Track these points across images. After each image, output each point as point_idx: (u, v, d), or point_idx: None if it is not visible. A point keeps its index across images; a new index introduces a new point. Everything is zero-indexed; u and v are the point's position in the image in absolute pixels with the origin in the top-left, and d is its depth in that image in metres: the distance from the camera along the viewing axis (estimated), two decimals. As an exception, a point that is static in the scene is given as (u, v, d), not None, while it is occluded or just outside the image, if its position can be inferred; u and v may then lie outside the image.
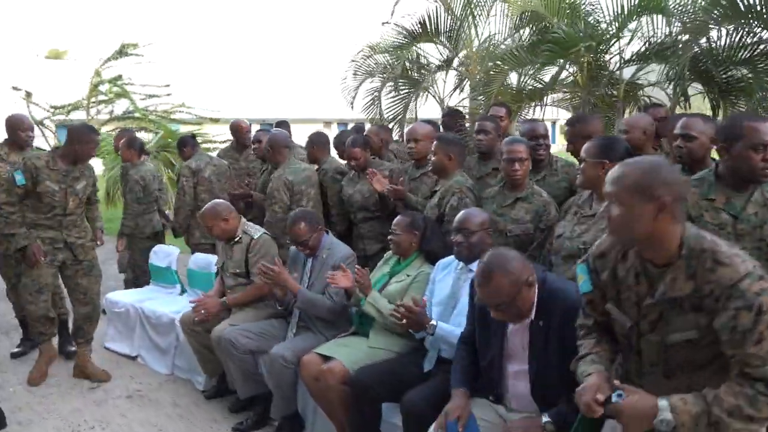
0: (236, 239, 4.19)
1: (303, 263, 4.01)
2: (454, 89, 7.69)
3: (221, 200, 4.40)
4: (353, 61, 7.90)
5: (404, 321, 3.05)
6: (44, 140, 14.33)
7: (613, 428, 1.92)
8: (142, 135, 13.77)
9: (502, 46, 6.58)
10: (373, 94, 7.81)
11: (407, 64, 7.46)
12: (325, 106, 31.73)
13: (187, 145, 6.33)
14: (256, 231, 4.23)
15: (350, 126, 9.07)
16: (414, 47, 7.49)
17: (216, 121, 15.05)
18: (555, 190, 3.90)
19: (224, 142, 15.85)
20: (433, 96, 7.86)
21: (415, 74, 7.48)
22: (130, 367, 5.00)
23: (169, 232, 6.43)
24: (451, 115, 5.34)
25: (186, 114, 14.99)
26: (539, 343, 2.45)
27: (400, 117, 7.23)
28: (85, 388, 4.60)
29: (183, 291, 5.46)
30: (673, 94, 5.72)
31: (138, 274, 6.00)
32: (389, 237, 3.62)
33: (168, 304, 5.10)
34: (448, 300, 3.18)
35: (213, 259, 5.10)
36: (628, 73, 6.13)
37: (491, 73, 5.97)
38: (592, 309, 2.10)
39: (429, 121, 5.06)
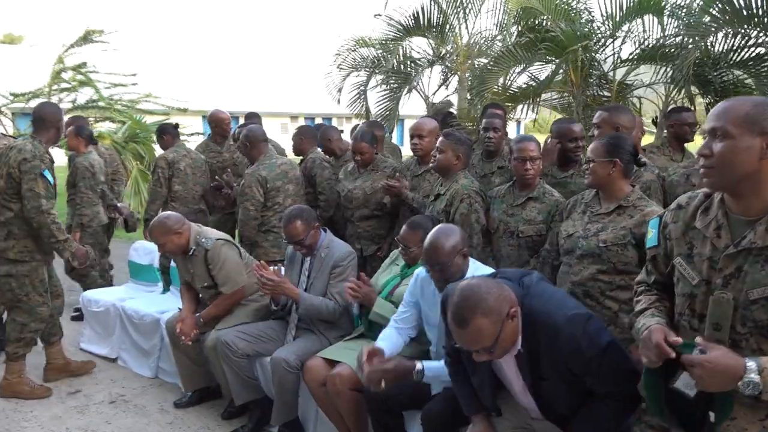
0: (191, 252, 3.91)
1: (300, 262, 3.83)
2: (440, 86, 7.57)
3: (170, 212, 4.08)
4: (338, 54, 7.71)
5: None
6: (1, 128, 13.76)
7: (687, 384, 1.67)
8: (107, 125, 13.39)
9: (498, 43, 6.47)
10: (359, 88, 7.62)
11: (399, 58, 7.27)
12: (294, 99, 31.46)
13: (168, 133, 6.06)
14: (208, 240, 3.90)
15: (317, 120, 8.82)
16: (406, 41, 7.30)
17: (184, 111, 14.70)
18: (582, 188, 3.83)
19: (192, 134, 15.59)
20: (419, 92, 7.74)
21: (408, 68, 7.30)
22: (110, 371, 4.75)
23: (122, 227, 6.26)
24: (446, 115, 5.21)
25: (153, 104, 14.58)
26: (532, 373, 2.20)
27: (389, 113, 7.03)
28: (64, 393, 4.34)
29: (165, 289, 5.21)
30: (666, 95, 5.72)
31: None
32: (400, 251, 3.40)
33: (151, 303, 4.86)
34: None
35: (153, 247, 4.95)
36: (619, 74, 6.11)
37: (487, 69, 5.84)
38: (654, 266, 1.99)
39: (434, 117, 4.94)
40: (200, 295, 4.12)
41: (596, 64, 5.94)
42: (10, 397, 4.19)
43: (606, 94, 6.16)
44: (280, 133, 24.85)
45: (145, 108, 14.45)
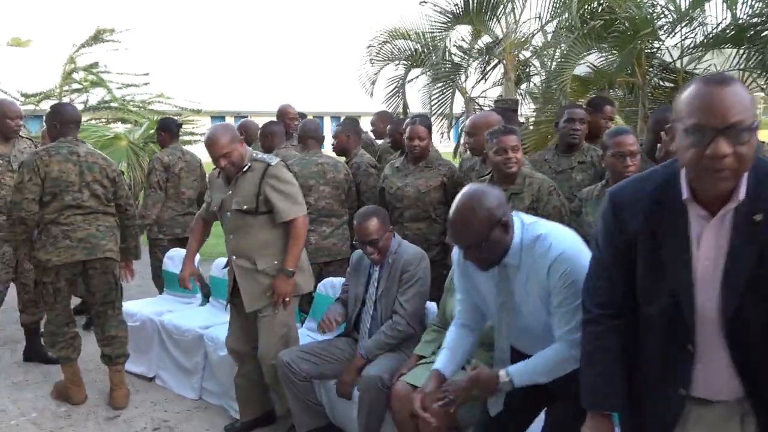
0: (246, 168, 3.41)
1: (368, 272, 3.42)
2: (480, 79, 7.13)
3: (226, 123, 3.70)
4: (371, 46, 7.27)
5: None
6: (24, 130, 13.39)
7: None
8: (123, 126, 13.02)
9: (548, 32, 6.02)
10: (396, 82, 7.18)
11: (447, 47, 6.82)
12: (307, 97, 31.21)
13: (169, 131, 5.66)
14: (271, 158, 3.50)
15: (326, 120, 8.33)
16: (454, 29, 6.85)
17: (197, 112, 14.34)
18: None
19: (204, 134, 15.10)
20: (456, 86, 7.30)
21: (459, 59, 6.85)
22: (150, 392, 4.35)
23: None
24: (506, 110, 4.80)
25: (165, 105, 14.21)
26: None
27: (443, 107, 6.58)
28: (102, 418, 3.95)
29: (204, 301, 4.81)
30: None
31: None
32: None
33: (191, 317, 4.47)
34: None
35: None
36: (682, 62, 5.67)
37: (563, 57, 5.40)
38: None
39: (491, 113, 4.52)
40: (225, 226, 3.54)
41: (659, 52, 5.50)
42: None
43: (667, 84, 5.72)
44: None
45: (158, 109, 14.10)
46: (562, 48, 5.81)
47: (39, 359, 4.84)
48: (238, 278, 3.46)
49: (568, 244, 2.09)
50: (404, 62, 7.14)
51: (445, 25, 6.70)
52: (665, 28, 5.18)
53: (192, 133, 14.06)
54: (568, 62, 5.24)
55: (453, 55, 6.96)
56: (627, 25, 4.98)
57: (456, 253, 2.35)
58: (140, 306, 4.77)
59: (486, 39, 7.33)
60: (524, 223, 2.17)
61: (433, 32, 6.82)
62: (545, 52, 6.72)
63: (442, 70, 6.71)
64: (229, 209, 3.42)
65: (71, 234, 3.85)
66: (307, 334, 4.02)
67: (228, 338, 3.71)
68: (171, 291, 5.04)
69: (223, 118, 30.57)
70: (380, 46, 7.33)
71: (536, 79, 7.23)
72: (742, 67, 5.22)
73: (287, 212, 3.36)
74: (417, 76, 7.18)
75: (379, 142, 5.98)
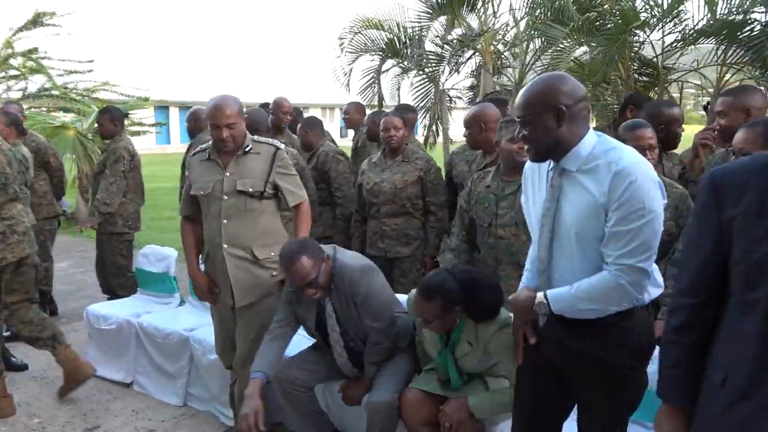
0: (247, 148, 3.16)
1: (317, 304, 3.01)
2: (452, 71, 7.03)
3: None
4: (342, 37, 7.05)
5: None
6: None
7: None
8: (71, 116, 12.35)
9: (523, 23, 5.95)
10: (371, 73, 7.00)
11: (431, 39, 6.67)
12: (262, 87, 30.63)
13: (117, 120, 5.27)
14: (275, 141, 3.33)
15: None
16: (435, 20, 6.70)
17: (145, 101, 13.78)
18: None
19: (154, 125, 14.65)
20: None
21: (437, 50, 6.70)
22: (128, 398, 4.08)
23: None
24: (497, 101, 4.72)
25: (111, 93, 13.58)
26: None
27: (426, 100, 6.43)
28: (79, 429, 3.66)
29: (182, 301, 4.55)
30: (718, 78, 5.37)
31: None
32: (421, 321, 2.66)
33: (172, 319, 4.21)
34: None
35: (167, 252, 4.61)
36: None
37: (557, 51, 5.31)
38: None
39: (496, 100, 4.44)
40: (218, 212, 3.16)
41: (641, 47, 5.53)
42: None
43: (644, 78, 5.78)
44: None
45: (103, 97, 13.46)
46: (542, 40, 5.79)
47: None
48: (230, 269, 3.15)
49: (641, 161, 1.92)
50: (378, 53, 6.96)
51: (428, 16, 6.55)
52: (651, 22, 5.20)
53: (140, 123, 13.54)
54: (562, 56, 5.20)
55: (435, 47, 6.81)
56: (618, 17, 4.97)
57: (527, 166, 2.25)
58: (114, 308, 4.47)
59: (458, 31, 7.26)
60: (601, 138, 2.00)
61: (412, 23, 6.67)
62: (520, 45, 6.67)
63: (424, 62, 6.57)
64: (228, 192, 3.11)
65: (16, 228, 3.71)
66: (303, 336, 3.83)
67: (218, 345, 3.44)
68: (146, 290, 4.74)
69: (167, 107, 29.68)
70: (353, 36, 7.12)
71: (508, 72, 7.22)
72: (720, 62, 5.31)
73: (297, 196, 3.25)
74: (390, 67, 7.02)
75: (352, 132, 5.80)
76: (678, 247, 2.94)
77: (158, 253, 4.68)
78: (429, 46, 6.74)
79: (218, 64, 31.67)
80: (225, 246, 3.14)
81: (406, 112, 4.94)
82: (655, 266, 1.99)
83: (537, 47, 6.45)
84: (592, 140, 1.99)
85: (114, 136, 5.20)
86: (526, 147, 2.08)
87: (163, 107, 28.60)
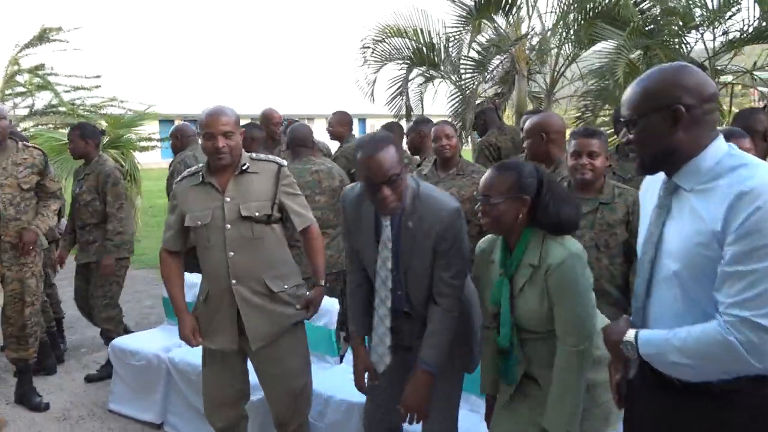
0: (244, 167, 2.79)
1: (374, 228, 2.42)
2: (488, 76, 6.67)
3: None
4: (365, 46, 6.76)
5: None
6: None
7: None
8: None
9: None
10: (398, 83, 6.70)
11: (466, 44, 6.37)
12: (265, 100, 30.66)
13: (89, 137, 4.70)
14: (276, 157, 2.98)
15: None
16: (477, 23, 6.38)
17: (153, 116, 13.53)
18: None
19: (162, 140, 14.45)
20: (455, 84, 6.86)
21: (479, 56, 6.39)
22: (160, 442, 3.73)
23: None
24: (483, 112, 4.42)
25: (119, 108, 13.35)
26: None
27: (463, 108, 6.11)
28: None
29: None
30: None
31: None
32: (477, 207, 2.21)
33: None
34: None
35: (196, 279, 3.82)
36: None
37: (614, 53, 5.01)
38: None
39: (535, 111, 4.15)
40: (221, 244, 2.75)
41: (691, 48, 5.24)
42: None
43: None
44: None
45: (111, 113, 13.24)
46: (572, 44, 5.49)
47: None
48: (242, 309, 2.76)
49: None
50: (405, 61, 6.66)
51: (464, 20, 6.24)
52: (704, 23, 4.90)
53: (149, 138, 13.30)
54: (620, 56, 4.88)
55: (474, 52, 6.51)
56: (675, 17, 4.67)
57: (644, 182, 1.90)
58: (141, 341, 4.14)
59: (482, 36, 6.97)
60: (732, 152, 1.58)
61: (448, 29, 6.38)
62: (549, 51, 6.37)
63: (461, 69, 6.26)
64: (232, 220, 2.73)
65: None
66: (345, 369, 3.49)
67: (207, 400, 3.01)
68: (171, 320, 4.41)
69: (172, 121, 29.55)
70: (375, 45, 6.83)
71: (538, 78, 6.92)
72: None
73: (306, 218, 2.89)
74: (415, 76, 6.72)
75: (336, 144, 5.48)
76: None
77: (187, 281, 4.33)
78: (462, 52, 6.44)
79: (220, 76, 31.57)
80: (234, 282, 2.75)
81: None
82: None
83: (570, 52, 6.16)
84: (719, 152, 1.57)
85: (86, 155, 4.67)
86: (633, 155, 1.71)
87: (167, 121, 28.47)
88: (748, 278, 1.41)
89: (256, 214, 2.74)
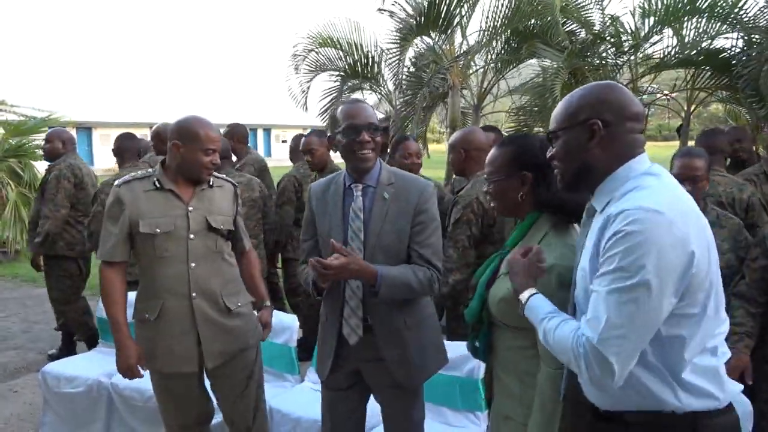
0: (210, 184, 2.72)
1: (342, 203, 2.39)
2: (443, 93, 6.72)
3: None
4: (296, 55, 6.68)
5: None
6: None
7: None
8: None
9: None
10: (331, 94, 6.66)
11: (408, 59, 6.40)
12: (178, 107, 29.70)
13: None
14: (228, 175, 3.10)
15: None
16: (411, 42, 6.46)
17: (53, 122, 12.65)
18: None
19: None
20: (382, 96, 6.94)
21: (421, 72, 6.45)
22: (102, 475, 3.44)
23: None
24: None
25: (10, 113, 12.36)
26: None
27: (408, 123, 6.12)
28: None
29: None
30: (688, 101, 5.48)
31: None
32: (486, 189, 2.06)
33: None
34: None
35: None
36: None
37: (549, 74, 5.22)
38: None
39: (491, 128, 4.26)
40: (182, 254, 2.60)
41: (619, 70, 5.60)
42: None
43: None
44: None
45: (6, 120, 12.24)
46: (498, 64, 5.72)
47: None
48: (200, 325, 2.62)
49: (659, 210, 1.38)
50: (340, 73, 6.63)
51: (403, 36, 6.28)
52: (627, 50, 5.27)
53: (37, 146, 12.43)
54: (558, 76, 5.11)
55: (412, 68, 6.58)
56: (611, 42, 4.96)
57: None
58: (77, 366, 3.81)
59: (410, 52, 7.08)
60: (649, 170, 1.52)
61: (387, 44, 6.43)
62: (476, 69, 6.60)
63: (405, 83, 6.31)
64: (196, 230, 2.62)
65: None
66: (310, 388, 3.40)
67: (170, 424, 2.82)
68: (106, 341, 4.10)
69: (89, 129, 27.92)
70: (307, 53, 6.75)
71: (465, 94, 7.10)
72: (689, 86, 5.43)
73: (248, 240, 2.97)
74: (347, 88, 6.69)
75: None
76: (746, 281, 2.80)
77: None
78: (400, 68, 6.50)
79: (136, 85, 30.35)
80: (194, 296, 2.61)
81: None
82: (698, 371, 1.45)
83: (500, 68, 6.39)
84: (630, 173, 1.52)
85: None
86: (555, 171, 1.67)
87: (85, 128, 26.96)
88: (599, 300, 1.41)
89: (222, 227, 2.69)
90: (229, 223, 2.74)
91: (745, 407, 2.34)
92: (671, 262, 1.35)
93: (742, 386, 1.60)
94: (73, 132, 28.78)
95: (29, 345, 5.48)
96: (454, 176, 3.85)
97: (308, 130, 4.98)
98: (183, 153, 2.60)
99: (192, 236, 2.61)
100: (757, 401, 2.55)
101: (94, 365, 3.80)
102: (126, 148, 4.74)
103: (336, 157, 3.09)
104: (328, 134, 2.50)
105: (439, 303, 3.23)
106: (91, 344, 4.84)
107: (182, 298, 2.60)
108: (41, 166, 10.59)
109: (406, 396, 2.44)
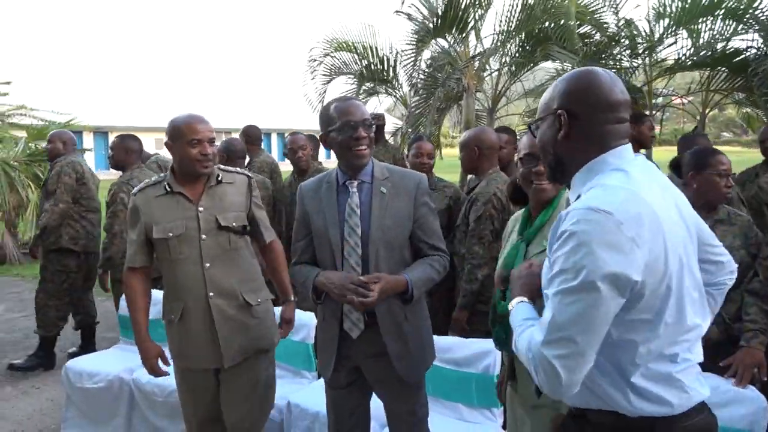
0: (218, 179, 2.72)
1: (336, 200, 2.39)
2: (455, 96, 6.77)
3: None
4: (312, 59, 6.75)
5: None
6: None
7: None
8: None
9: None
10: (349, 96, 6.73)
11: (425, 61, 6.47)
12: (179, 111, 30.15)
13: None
14: (245, 170, 3.00)
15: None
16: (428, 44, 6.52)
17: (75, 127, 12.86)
18: None
19: (85, 151, 13.77)
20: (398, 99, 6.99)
21: (437, 72, 6.51)
22: (123, 469, 3.51)
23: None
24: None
25: (29, 118, 12.55)
26: None
27: (422, 124, 6.18)
28: None
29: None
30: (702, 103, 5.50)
31: None
32: (535, 185, 2.01)
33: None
34: None
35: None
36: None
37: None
38: None
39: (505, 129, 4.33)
40: (196, 255, 2.64)
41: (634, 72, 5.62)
42: None
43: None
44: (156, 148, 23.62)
45: (20, 122, 12.43)
46: (512, 67, 5.77)
47: None
48: (218, 323, 2.64)
49: (608, 209, 1.31)
50: (356, 77, 6.70)
51: (421, 38, 6.35)
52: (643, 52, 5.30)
53: (81, 151, 12.64)
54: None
55: (427, 70, 6.64)
56: (625, 44, 5.00)
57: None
58: (99, 362, 3.88)
59: (426, 54, 7.14)
60: (615, 168, 1.43)
61: (405, 47, 6.50)
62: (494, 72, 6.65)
63: (421, 84, 6.37)
64: (208, 230, 2.64)
65: None
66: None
67: (188, 420, 2.88)
68: (126, 339, 4.17)
69: (106, 133, 28.31)
70: (323, 58, 6.83)
71: (480, 97, 7.15)
72: (704, 88, 5.43)
73: (271, 231, 2.91)
74: (362, 90, 6.76)
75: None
76: (759, 279, 2.81)
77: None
78: (415, 69, 6.56)
79: (152, 90, 30.75)
80: (211, 295, 2.64)
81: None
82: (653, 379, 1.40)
83: (515, 71, 6.43)
84: (602, 167, 1.45)
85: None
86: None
87: (102, 133, 27.33)
88: (547, 303, 1.38)
89: (234, 224, 2.69)
90: (242, 219, 2.72)
91: (759, 403, 2.37)
92: (615, 263, 1.28)
93: (707, 393, 1.47)
94: (90, 136, 29.25)
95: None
96: (469, 177, 3.89)
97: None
98: (174, 151, 2.65)
99: (204, 236, 2.63)
100: (771, 396, 2.56)
101: (115, 361, 3.88)
102: (132, 150, 4.81)
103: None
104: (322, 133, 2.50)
105: (470, 301, 3.27)
106: (45, 348, 4.96)
107: (200, 298, 2.64)
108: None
109: (409, 391, 2.45)
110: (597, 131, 1.45)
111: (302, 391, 3.39)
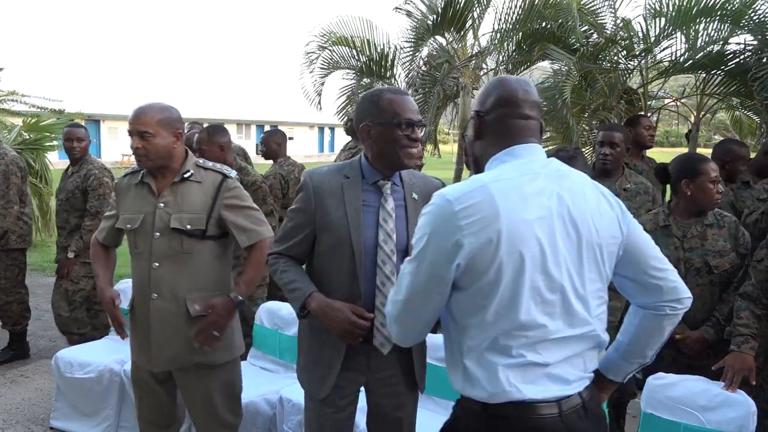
0: (187, 174, 2.57)
1: (359, 196, 2.16)
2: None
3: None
4: (309, 53, 6.73)
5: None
6: None
7: None
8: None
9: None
10: (347, 92, 6.71)
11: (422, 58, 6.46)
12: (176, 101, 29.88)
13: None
14: (226, 168, 2.68)
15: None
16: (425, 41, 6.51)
17: (59, 113, 12.70)
18: None
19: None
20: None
21: (433, 71, 6.50)
22: (113, 460, 3.50)
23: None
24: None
25: (21, 104, 12.42)
26: None
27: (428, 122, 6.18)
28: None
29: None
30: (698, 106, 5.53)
31: None
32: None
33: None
34: None
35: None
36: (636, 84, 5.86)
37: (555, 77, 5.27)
38: None
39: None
40: (147, 252, 2.54)
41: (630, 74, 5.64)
42: None
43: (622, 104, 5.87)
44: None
45: (11, 108, 12.29)
46: (509, 66, 5.79)
47: None
48: (152, 325, 2.54)
49: (452, 192, 1.47)
50: (355, 72, 6.68)
51: (420, 35, 6.33)
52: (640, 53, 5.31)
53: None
54: (569, 78, 5.15)
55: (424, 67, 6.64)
56: (622, 46, 5.01)
57: None
58: (89, 352, 3.86)
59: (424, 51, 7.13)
60: (494, 164, 1.55)
61: (404, 44, 6.48)
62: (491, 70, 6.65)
63: (419, 82, 6.37)
64: (160, 228, 2.51)
65: None
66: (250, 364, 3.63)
67: (139, 419, 2.83)
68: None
69: (98, 122, 28.10)
70: (320, 51, 6.80)
71: (476, 94, 7.12)
72: (699, 91, 5.46)
73: (254, 233, 2.60)
74: (359, 86, 6.74)
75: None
76: (752, 282, 2.83)
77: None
78: (413, 67, 6.55)
79: (145, 79, 30.61)
80: (154, 296, 2.53)
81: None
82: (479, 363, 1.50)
83: (509, 69, 6.43)
84: (492, 163, 1.56)
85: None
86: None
87: (94, 121, 27.14)
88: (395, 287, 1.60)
89: (188, 227, 2.51)
90: (199, 222, 2.51)
91: (748, 407, 2.40)
92: (440, 247, 1.44)
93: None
94: (82, 123, 29.03)
95: (39, 332, 5.54)
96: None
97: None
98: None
99: (157, 234, 2.51)
100: (760, 400, 2.60)
101: (106, 352, 3.86)
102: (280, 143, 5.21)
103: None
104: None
105: None
106: (18, 340, 4.91)
107: (145, 297, 2.55)
108: (52, 158, 10.73)
109: (415, 400, 2.35)
110: (501, 127, 1.56)
111: (294, 386, 3.37)
